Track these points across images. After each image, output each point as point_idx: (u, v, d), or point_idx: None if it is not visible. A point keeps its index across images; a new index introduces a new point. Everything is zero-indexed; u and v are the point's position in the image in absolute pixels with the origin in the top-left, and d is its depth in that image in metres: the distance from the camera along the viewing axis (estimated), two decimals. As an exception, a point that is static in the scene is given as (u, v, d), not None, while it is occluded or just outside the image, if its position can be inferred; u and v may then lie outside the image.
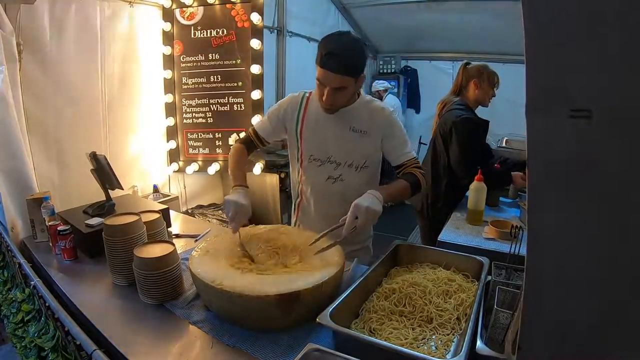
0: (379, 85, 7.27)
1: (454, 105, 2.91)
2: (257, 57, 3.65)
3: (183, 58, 3.83)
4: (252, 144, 2.18)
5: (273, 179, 4.09)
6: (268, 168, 3.98)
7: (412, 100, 8.36)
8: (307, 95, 2.11)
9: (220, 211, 4.08)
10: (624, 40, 0.61)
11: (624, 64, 0.62)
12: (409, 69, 8.18)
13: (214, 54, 3.76)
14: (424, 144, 7.37)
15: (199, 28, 3.77)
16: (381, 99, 7.15)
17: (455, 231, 2.50)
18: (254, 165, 3.76)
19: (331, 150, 2.05)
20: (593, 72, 0.64)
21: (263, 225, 2.01)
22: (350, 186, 2.04)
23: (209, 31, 3.75)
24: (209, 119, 3.88)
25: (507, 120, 3.00)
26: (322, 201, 2.14)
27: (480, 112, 2.99)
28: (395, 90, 7.74)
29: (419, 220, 3.30)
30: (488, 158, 3.11)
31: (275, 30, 5.20)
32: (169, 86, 3.88)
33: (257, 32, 3.65)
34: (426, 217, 3.13)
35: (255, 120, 3.66)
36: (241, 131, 3.75)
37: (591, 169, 0.66)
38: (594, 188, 0.66)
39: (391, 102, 7.02)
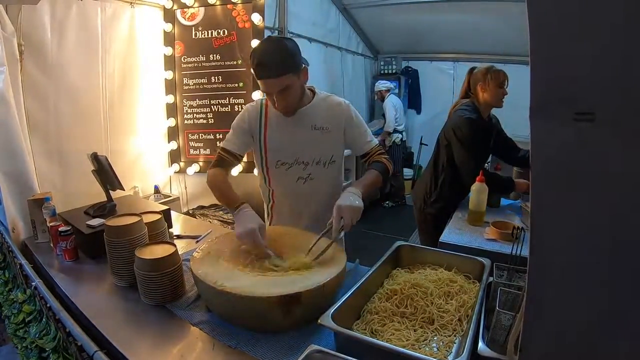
0: (381, 85, 7.26)
1: (461, 106, 2.89)
2: (259, 58, 3.65)
3: (184, 59, 3.84)
4: (228, 163, 2.09)
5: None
6: (249, 169, 3.94)
7: (413, 100, 8.35)
8: (264, 102, 2.09)
9: (221, 212, 4.08)
10: (628, 43, 0.61)
11: (627, 67, 0.62)
12: (409, 69, 8.17)
13: (215, 55, 3.76)
14: (425, 144, 7.37)
15: (200, 29, 3.77)
16: (383, 99, 7.16)
17: (456, 232, 2.49)
18: (255, 166, 3.75)
19: (297, 151, 2.06)
20: (597, 76, 0.64)
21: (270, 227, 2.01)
22: (321, 182, 2.10)
23: (210, 32, 3.75)
24: (210, 119, 3.88)
25: (508, 121, 2.95)
26: (296, 201, 2.15)
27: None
28: (397, 90, 7.73)
29: (418, 218, 3.26)
30: (509, 152, 3.12)
31: (276, 31, 5.19)
32: (170, 87, 3.88)
33: (258, 33, 3.65)
34: (424, 214, 3.11)
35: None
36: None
37: (594, 171, 0.66)
38: (597, 190, 0.66)
39: (393, 102, 7.02)
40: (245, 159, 3.65)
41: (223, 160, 2.09)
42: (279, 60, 1.81)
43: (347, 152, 2.21)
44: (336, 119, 2.06)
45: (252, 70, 1.89)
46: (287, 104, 1.92)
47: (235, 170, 3.79)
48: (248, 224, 1.76)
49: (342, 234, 1.98)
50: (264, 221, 2.10)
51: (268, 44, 1.89)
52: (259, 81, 1.86)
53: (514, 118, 2.62)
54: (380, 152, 2.11)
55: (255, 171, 3.67)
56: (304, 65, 1.92)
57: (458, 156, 2.83)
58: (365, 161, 2.13)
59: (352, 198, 1.79)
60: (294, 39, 5.36)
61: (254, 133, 2.09)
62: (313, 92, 2.10)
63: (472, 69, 2.95)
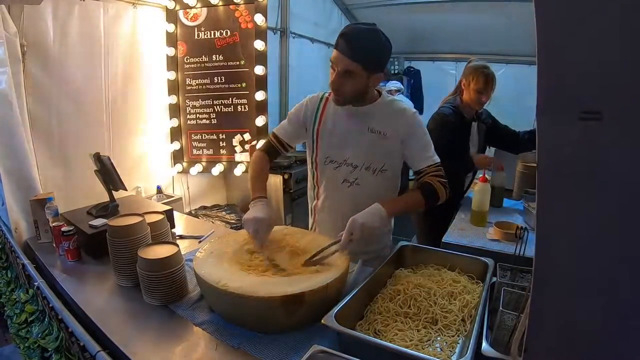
0: (392, 85, 7.27)
1: (444, 103, 2.92)
2: (261, 58, 3.66)
3: (187, 59, 3.84)
4: (275, 150, 2.12)
5: (277, 180, 4.09)
6: (272, 169, 3.96)
7: (415, 101, 8.30)
8: (327, 95, 2.03)
9: (224, 212, 4.08)
10: (635, 42, 0.61)
11: (634, 65, 0.61)
12: (412, 69, 8.17)
13: (217, 55, 3.77)
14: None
15: (202, 29, 3.78)
16: None
17: (459, 232, 2.49)
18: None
19: (348, 151, 1.97)
20: (603, 74, 0.64)
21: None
22: (366, 191, 1.96)
23: (212, 32, 3.76)
24: (212, 120, 3.89)
25: (510, 122, 2.91)
26: (338, 205, 2.04)
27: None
28: (407, 92, 7.75)
29: (414, 220, 3.21)
30: (510, 141, 3.09)
31: (279, 32, 5.21)
32: (173, 87, 3.88)
33: (260, 33, 3.66)
34: (419, 214, 3.07)
35: (259, 121, 3.67)
36: (245, 132, 3.76)
37: (601, 170, 0.66)
38: (604, 189, 0.66)
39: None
40: (247, 158, 3.66)
41: (270, 146, 2.12)
42: (364, 47, 1.74)
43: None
44: (396, 126, 1.91)
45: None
46: (340, 87, 1.82)
47: (239, 170, 3.79)
48: (259, 213, 1.79)
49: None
50: (293, 218, 2.10)
51: (366, 28, 1.77)
52: (333, 50, 1.79)
53: (518, 118, 2.61)
54: (436, 173, 1.89)
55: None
56: (381, 74, 1.84)
57: None
58: (417, 180, 1.93)
59: (370, 216, 1.70)
60: (296, 38, 5.40)
61: (309, 124, 2.04)
62: (380, 93, 1.99)
63: (470, 62, 2.90)
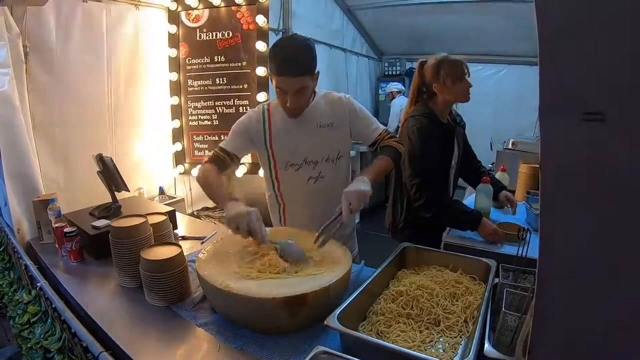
0: (393, 86, 7.28)
1: (413, 115, 2.50)
2: (263, 59, 3.66)
3: (189, 60, 3.84)
4: (221, 161, 2.06)
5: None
6: (254, 170, 3.95)
7: (416, 102, 8.35)
8: (267, 107, 2.11)
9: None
10: (637, 43, 0.61)
11: (636, 66, 0.61)
12: (414, 70, 8.16)
13: (219, 56, 3.77)
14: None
15: (204, 30, 3.78)
16: (394, 99, 7.18)
17: (461, 233, 2.48)
18: (260, 167, 3.74)
19: (305, 151, 2.06)
20: (606, 75, 0.64)
21: (268, 228, 1.99)
22: (331, 180, 2.09)
23: (214, 33, 3.76)
24: (214, 121, 3.89)
25: (511, 121, 2.86)
26: (308, 202, 2.12)
27: (482, 111, 2.68)
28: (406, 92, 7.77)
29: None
30: (468, 165, 2.82)
31: (281, 33, 5.20)
32: (175, 88, 3.88)
33: (262, 34, 3.66)
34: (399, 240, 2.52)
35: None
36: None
37: (604, 171, 0.66)
38: (607, 190, 0.66)
39: (401, 103, 6.98)
40: (249, 159, 3.66)
41: (218, 158, 2.06)
42: (303, 60, 1.85)
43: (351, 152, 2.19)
44: (340, 114, 2.07)
45: (269, 66, 1.90)
46: (299, 105, 1.94)
47: (240, 172, 3.79)
48: (240, 207, 1.74)
49: (356, 220, 2.00)
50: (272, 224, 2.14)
51: (293, 41, 1.91)
52: (276, 78, 1.87)
53: (519, 119, 2.59)
54: (389, 137, 2.10)
55: (260, 172, 3.70)
56: (317, 70, 1.94)
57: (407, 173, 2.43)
58: (375, 149, 2.12)
59: (358, 184, 1.82)
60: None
61: (257, 138, 2.08)
62: (314, 91, 2.09)
63: (422, 63, 2.61)
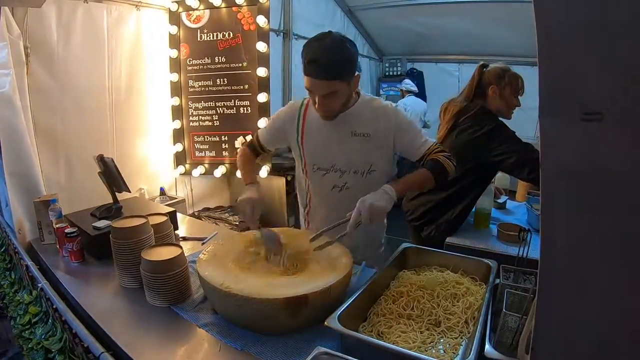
0: (410, 86, 7.16)
1: (478, 118, 2.42)
2: (264, 60, 3.66)
3: (189, 61, 3.84)
4: (256, 149, 2.18)
5: (280, 182, 4.09)
6: (275, 171, 3.97)
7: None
8: (306, 102, 2.01)
9: (227, 214, 4.08)
10: (635, 43, 0.61)
11: (635, 66, 0.61)
12: (415, 71, 8.17)
13: (220, 57, 3.77)
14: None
15: (205, 31, 3.78)
16: (403, 97, 7.10)
17: (462, 234, 2.48)
18: (261, 168, 3.76)
19: (334, 158, 1.96)
20: (604, 75, 0.64)
21: (274, 229, 1.99)
22: (357, 194, 1.81)
23: (215, 34, 3.76)
24: (215, 121, 3.89)
25: (512, 121, 2.83)
26: (330, 210, 2.00)
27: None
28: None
29: (415, 238, 2.76)
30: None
31: (282, 33, 5.21)
32: (176, 89, 3.88)
33: (263, 35, 3.66)
34: (429, 237, 2.58)
35: (262, 123, 3.67)
36: (247, 134, 3.75)
37: (604, 171, 0.66)
38: (607, 190, 0.66)
39: (405, 103, 6.80)
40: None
41: (252, 145, 2.18)
42: (335, 63, 1.70)
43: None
44: (380, 125, 1.90)
45: (302, 63, 1.75)
46: (329, 109, 1.82)
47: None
48: (252, 194, 1.94)
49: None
50: (297, 220, 2.17)
51: (327, 41, 1.71)
52: (305, 77, 1.76)
53: (521, 119, 2.58)
54: (438, 150, 1.87)
55: (261, 173, 3.71)
56: (357, 73, 1.81)
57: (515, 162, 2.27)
58: (422, 164, 1.89)
59: (378, 196, 1.68)
60: (298, 40, 5.39)
61: (289, 133, 2.04)
62: (358, 94, 1.96)
63: (483, 65, 2.55)
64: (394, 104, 1.96)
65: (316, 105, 1.81)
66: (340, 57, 1.71)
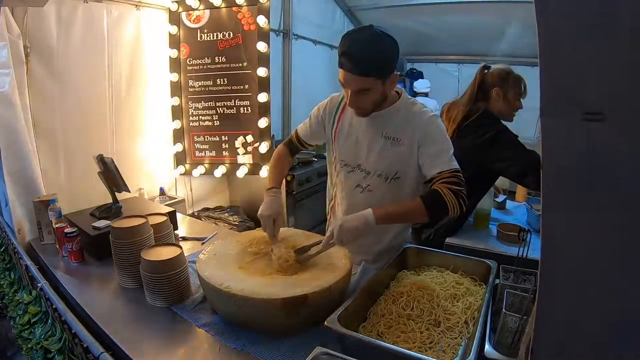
0: (419, 86, 7.12)
1: (482, 121, 2.39)
2: (264, 60, 3.66)
3: (189, 61, 3.84)
4: (294, 147, 2.16)
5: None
6: None
7: (417, 103, 8.36)
8: None
9: (226, 214, 4.08)
10: (637, 43, 0.61)
11: (636, 66, 0.61)
12: (414, 71, 8.17)
13: (220, 57, 3.76)
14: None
15: (205, 31, 3.77)
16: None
17: (462, 234, 2.48)
18: (261, 168, 3.76)
19: (362, 157, 1.91)
20: (605, 75, 0.64)
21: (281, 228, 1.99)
22: (378, 198, 1.88)
23: (215, 34, 3.75)
24: (215, 121, 3.88)
25: (513, 122, 2.80)
26: (350, 209, 1.96)
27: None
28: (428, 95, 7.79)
29: (415, 239, 2.66)
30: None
31: (282, 33, 5.21)
32: (176, 89, 3.88)
33: (263, 35, 3.65)
34: (429, 240, 2.55)
35: (262, 123, 3.67)
36: (248, 134, 3.75)
37: (605, 171, 0.66)
38: (608, 190, 0.66)
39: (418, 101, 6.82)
40: (250, 160, 3.66)
41: (291, 142, 2.16)
42: (371, 59, 1.61)
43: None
44: (411, 131, 1.80)
45: (338, 53, 1.67)
46: (359, 105, 1.75)
47: (241, 172, 3.78)
48: (266, 211, 1.86)
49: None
50: (296, 219, 2.12)
51: (365, 34, 1.63)
52: (339, 70, 1.68)
53: (521, 119, 2.57)
54: (447, 180, 1.68)
55: (261, 173, 3.70)
56: (396, 72, 1.71)
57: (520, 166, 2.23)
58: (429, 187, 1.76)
59: (354, 217, 1.64)
60: (298, 40, 5.39)
61: (327, 124, 2.02)
62: (399, 94, 1.89)
63: (485, 67, 2.50)
64: (432, 112, 1.84)
65: (347, 100, 1.75)
66: (374, 53, 1.62)
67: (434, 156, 1.76)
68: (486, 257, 1.80)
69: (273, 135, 3.89)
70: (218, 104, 3.83)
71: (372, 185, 1.91)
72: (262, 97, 3.67)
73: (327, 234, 1.67)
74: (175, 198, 3.94)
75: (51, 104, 2.91)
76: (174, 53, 3.81)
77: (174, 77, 3.84)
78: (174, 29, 3.79)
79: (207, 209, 4.27)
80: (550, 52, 0.66)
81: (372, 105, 1.76)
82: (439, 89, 7.87)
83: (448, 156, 1.75)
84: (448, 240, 2.43)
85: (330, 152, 2.06)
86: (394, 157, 1.84)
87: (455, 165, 1.73)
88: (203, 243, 2.38)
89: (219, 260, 1.69)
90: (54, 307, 1.76)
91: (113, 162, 2.43)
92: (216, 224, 3.82)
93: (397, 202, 1.83)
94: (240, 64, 3.73)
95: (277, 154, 2.15)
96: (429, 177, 1.76)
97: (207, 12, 3.75)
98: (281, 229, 1.95)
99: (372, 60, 1.62)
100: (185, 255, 1.79)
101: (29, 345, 1.99)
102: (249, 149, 3.78)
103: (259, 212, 1.86)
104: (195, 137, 3.96)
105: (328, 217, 2.22)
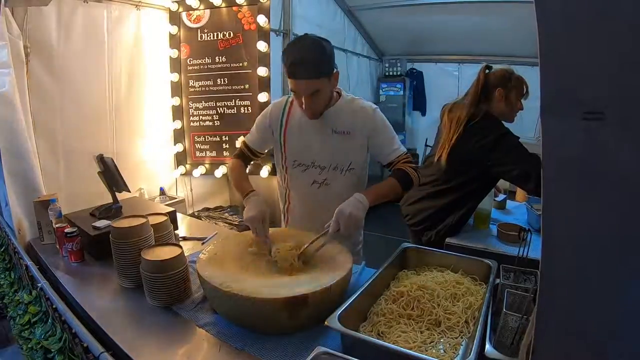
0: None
1: (482, 124, 2.36)
2: (264, 60, 3.66)
3: (190, 61, 3.84)
4: (246, 157, 2.20)
5: (274, 182, 4.08)
6: (275, 171, 3.97)
7: (417, 102, 8.36)
8: (290, 99, 2.07)
9: (227, 214, 4.08)
10: (636, 42, 0.61)
11: (636, 66, 0.61)
12: (414, 71, 8.18)
13: (220, 57, 3.77)
14: (430, 146, 7.36)
15: (205, 31, 3.78)
16: None
17: (462, 234, 2.48)
18: (261, 168, 3.76)
19: (315, 154, 2.02)
20: (606, 75, 0.64)
21: (271, 229, 1.99)
22: (336, 190, 2.01)
23: (215, 34, 3.76)
24: (216, 121, 3.89)
25: (514, 123, 2.78)
26: (309, 206, 2.10)
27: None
28: (401, 92, 7.76)
29: (414, 240, 2.71)
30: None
31: (282, 33, 5.20)
32: (176, 89, 3.89)
33: (263, 35, 3.66)
34: (428, 241, 2.54)
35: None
36: (248, 134, 3.75)
37: (605, 171, 0.66)
38: (608, 190, 0.66)
39: None
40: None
41: (243, 154, 2.19)
42: (316, 62, 1.78)
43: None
44: (359, 124, 1.97)
45: (283, 67, 1.83)
46: (315, 107, 1.89)
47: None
48: (252, 211, 1.85)
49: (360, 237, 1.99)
50: (280, 223, 2.14)
51: (305, 42, 1.82)
52: (289, 80, 1.82)
53: (522, 120, 2.56)
54: (405, 160, 1.97)
55: (262, 173, 3.70)
56: (335, 70, 1.88)
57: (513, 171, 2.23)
58: (389, 170, 2.02)
59: (354, 205, 1.74)
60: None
61: (275, 130, 2.08)
62: (339, 94, 2.04)
63: (487, 67, 2.47)
64: (374, 106, 2.04)
65: (303, 107, 1.87)
66: (320, 55, 1.79)
67: (386, 144, 2.01)
68: (486, 257, 1.80)
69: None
70: (218, 104, 3.84)
71: (329, 179, 2.04)
72: (263, 97, 3.68)
73: (332, 225, 1.71)
74: (176, 198, 3.95)
75: (51, 104, 2.91)
76: (174, 53, 3.82)
77: (175, 77, 3.85)
78: (174, 29, 3.79)
79: (207, 209, 4.27)
80: (550, 52, 0.66)
81: (324, 104, 1.93)
82: (439, 88, 7.88)
83: (397, 142, 2.02)
84: (448, 240, 2.43)
85: (279, 156, 2.13)
86: (346, 149, 2.00)
87: (403, 149, 2.02)
88: (203, 243, 2.38)
89: (219, 260, 1.69)
90: (54, 307, 1.76)
91: (113, 162, 2.43)
92: (216, 224, 3.82)
93: (357, 189, 1.94)
94: (241, 64, 3.74)
95: (233, 167, 2.16)
96: (389, 161, 2.00)
97: (208, 12, 3.75)
98: (281, 229, 1.95)
99: (320, 62, 1.80)
100: (186, 255, 1.79)
101: (29, 345, 1.98)
102: (250, 149, 3.78)
103: (244, 217, 1.87)
104: (195, 137, 3.97)
105: (284, 220, 2.28)
